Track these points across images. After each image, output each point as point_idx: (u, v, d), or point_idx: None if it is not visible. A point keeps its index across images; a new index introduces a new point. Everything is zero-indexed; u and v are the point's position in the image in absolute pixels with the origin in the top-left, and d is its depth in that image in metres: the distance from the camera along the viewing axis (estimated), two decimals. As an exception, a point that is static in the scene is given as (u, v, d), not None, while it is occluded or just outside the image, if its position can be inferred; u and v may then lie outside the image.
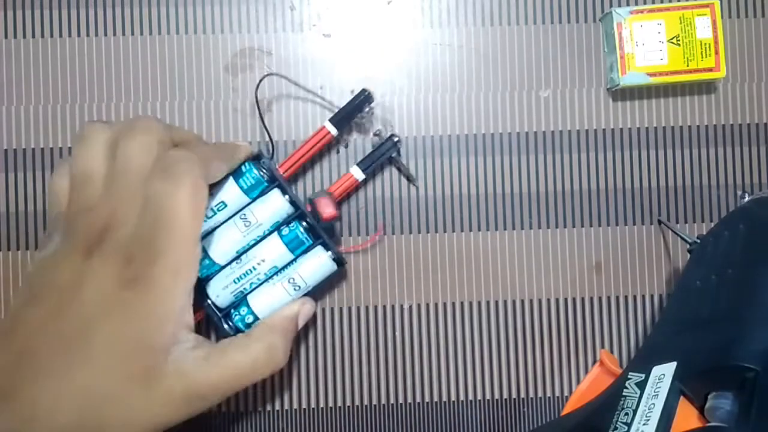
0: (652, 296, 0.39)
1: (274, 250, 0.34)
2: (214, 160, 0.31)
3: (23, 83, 0.39)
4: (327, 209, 0.34)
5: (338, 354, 0.38)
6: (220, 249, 0.34)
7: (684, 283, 0.32)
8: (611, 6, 0.40)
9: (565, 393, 0.39)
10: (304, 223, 0.35)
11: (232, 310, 0.35)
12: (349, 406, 0.38)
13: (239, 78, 0.39)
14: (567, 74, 0.40)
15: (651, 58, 0.38)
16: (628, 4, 0.39)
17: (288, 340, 0.32)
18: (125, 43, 0.39)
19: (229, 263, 0.35)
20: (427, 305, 0.39)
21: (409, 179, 0.38)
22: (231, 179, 0.34)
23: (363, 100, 0.36)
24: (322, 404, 0.38)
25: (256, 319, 0.34)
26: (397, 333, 0.39)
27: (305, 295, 0.35)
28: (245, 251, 0.35)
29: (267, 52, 0.39)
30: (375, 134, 0.38)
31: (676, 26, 0.38)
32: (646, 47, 0.38)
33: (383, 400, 0.38)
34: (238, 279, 0.34)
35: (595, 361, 0.39)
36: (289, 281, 0.34)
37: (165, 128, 0.31)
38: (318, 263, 0.35)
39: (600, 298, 0.39)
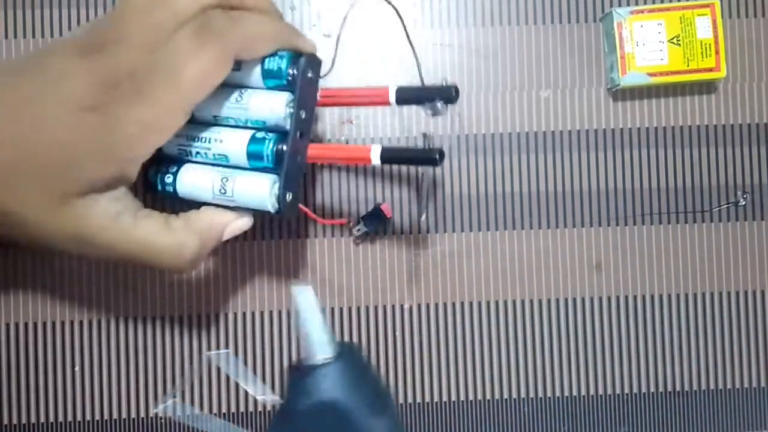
0: (652, 296, 0.39)
1: (236, 141, 0.31)
2: (263, 41, 0.29)
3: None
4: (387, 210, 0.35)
5: (338, 354, 0.38)
6: (205, 100, 0.30)
7: None
8: (611, 6, 0.40)
9: (565, 393, 0.39)
10: (281, 146, 0.30)
11: (167, 165, 0.32)
12: (349, 406, 0.38)
13: (239, 78, 0.39)
14: (567, 74, 0.40)
15: (651, 58, 0.38)
16: (628, 4, 0.39)
17: (203, 246, 0.30)
18: (125, 43, 0.39)
19: (201, 122, 0.32)
20: (428, 305, 0.39)
21: (420, 208, 0.35)
22: None
23: (441, 94, 0.31)
24: (322, 404, 0.38)
25: (174, 190, 0.32)
26: (398, 333, 0.39)
27: (229, 209, 0.31)
28: (218, 124, 0.32)
29: (267, 52, 0.39)
30: (424, 134, 0.34)
31: (676, 26, 0.38)
32: (647, 47, 0.38)
33: (383, 400, 0.38)
34: (189, 137, 0.31)
35: (595, 362, 0.39)
36: (221, 179, 0.31)
37: None
38: (256, 186, 0.30)
39: (600, 298, 0.39)
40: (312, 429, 0.26)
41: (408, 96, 0.32)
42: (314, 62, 0.31)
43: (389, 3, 0.39)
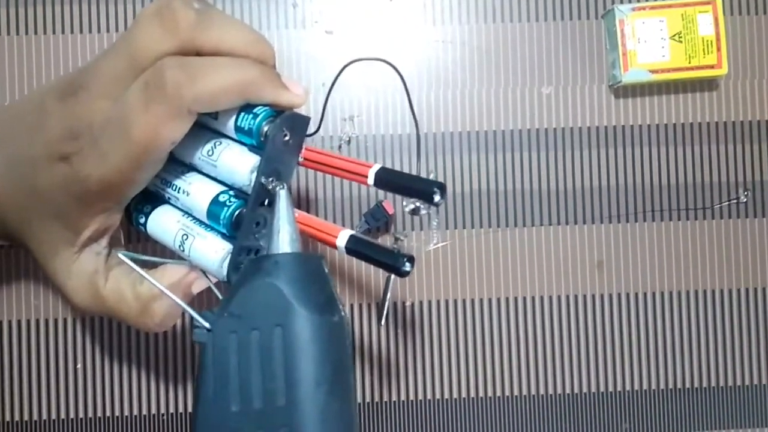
0: (653, 293, 0.39)
1: (201, 198, 0.28)
2: (226, 95, 0.25)
3: (25, 80, 0.38)
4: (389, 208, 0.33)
5: (340, 351, 0.39)
6: (180, 145, 0.27)
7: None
8: (613, 3, 0.40)
9: (567, 390, 0.39)
10: (239, 214, 0.27)
11: (146, 202, 0.30)
12: (351, 403, 0.38)
13: (241, 75, 0.39)
14: (569, 71, 0.40)
15: (653, 55, 0.38)
16: (630, 1, 0.39)
17: (169, 310, 0.29)
18: (127, 40, 0.39)
19: (179, 164, 0.29)
20: (429, 302, 0.39)
21: (379, 313, 0.32)
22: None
23: (423, 190, 0.27)
24: (324, 401, 0.38)
25: (145, 230, 0.30)
26: (399, 330, 0.39)
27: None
28: (194, 170, 0.29)
29: (269, 49, 0.39)
30: (396, 237, 0.31)
31: (678, 23, 0.38)
32: (648, 44, 0.38)
33: (385, 398, 0.38)
34: (164, 180, 0.29)
35: (597, 359, 0.39)
36: (182, 236, 0.28)
37: (194, 27, 0.25)
38: (210, 252, 0.28)
39: (602, 295, 0.39)
40: (250, 304, 0.24)
41: (388, 181, 0.28)
42: (296, 122, 0.27)
43: (389, 64, 0.38)
